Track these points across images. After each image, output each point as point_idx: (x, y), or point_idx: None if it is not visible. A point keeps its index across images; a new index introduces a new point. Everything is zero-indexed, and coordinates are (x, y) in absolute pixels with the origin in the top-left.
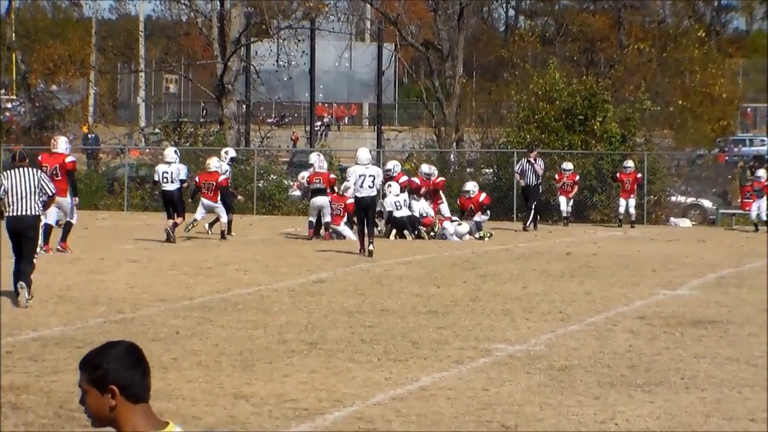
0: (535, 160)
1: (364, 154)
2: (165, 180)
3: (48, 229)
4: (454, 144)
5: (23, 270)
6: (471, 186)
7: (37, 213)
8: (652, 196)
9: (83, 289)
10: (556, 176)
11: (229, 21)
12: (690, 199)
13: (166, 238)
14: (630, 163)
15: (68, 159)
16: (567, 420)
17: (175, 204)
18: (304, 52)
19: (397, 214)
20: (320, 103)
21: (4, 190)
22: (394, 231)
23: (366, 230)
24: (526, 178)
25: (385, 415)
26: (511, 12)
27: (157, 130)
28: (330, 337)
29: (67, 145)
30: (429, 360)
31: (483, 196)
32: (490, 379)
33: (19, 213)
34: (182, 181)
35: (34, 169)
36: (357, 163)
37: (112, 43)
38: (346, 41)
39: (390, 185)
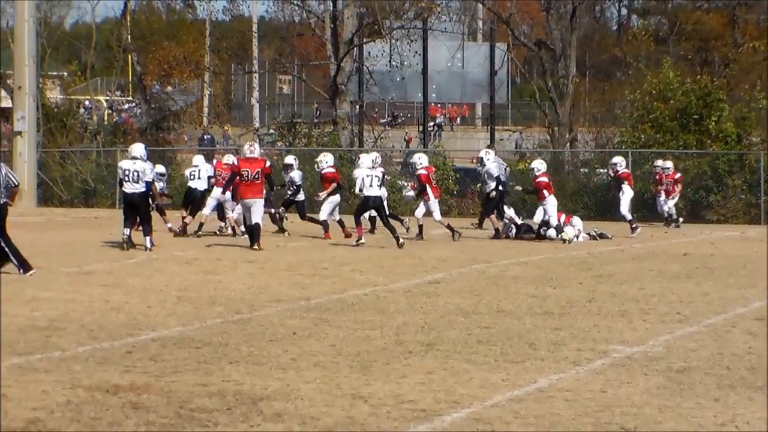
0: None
1: (366, 160)
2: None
3: (257, 228)
4: (568, 144)
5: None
6: (536, 164)
7: (3, 203)
8: None
9: (201, 290)
10: (656, 176)
11: (341, 22)
12: None
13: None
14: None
15: (267, 164)
16: (686, 422)
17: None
18: (416, 52)
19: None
20: (433, 104)
21: None
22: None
23: (382, 225)
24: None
25: (502, 416)
26: (624, 11)
27: (271, 131)
28: (447, 338)
29: (261, 150)
30: (546, 361)
31: (543, 179)
32: (608, 381)
33: None
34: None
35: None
36: (361, 167)
37: (226, 45)
38: (459, 41)
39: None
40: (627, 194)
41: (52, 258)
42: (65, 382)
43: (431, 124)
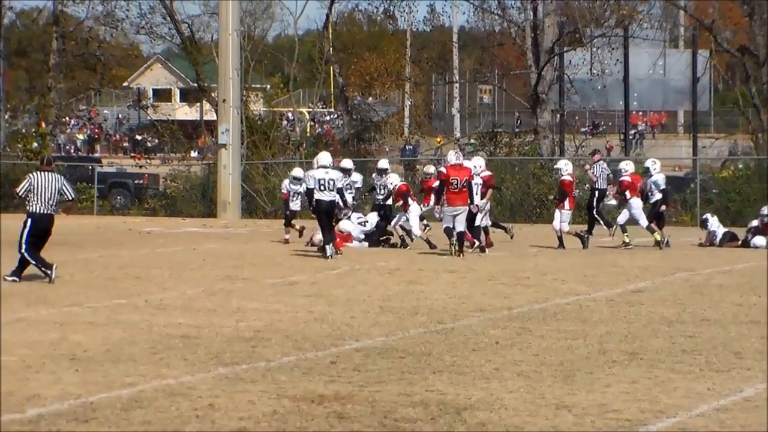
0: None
1: (479, 161)
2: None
3: (461, 236)
4: None
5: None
6: (622, 164)
7: (53, 213)
8: None
9: (403, 300)
10: None
11: (542, 30)
12: None
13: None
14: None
15: (472, 172)
16: None
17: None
18: (617, 60)
19: None
20: (634, 111)
21: (29, 190)
22: None
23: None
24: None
25: (708, 426)
26: None
27: (472, 141)
28: (650, 347)
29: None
30: (752, 371)
31: (625, 178)
32: None
33: (45, 212)
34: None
35: (58, 175)
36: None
37: (427, 55)
38: (660, 48)
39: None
40: None
41: (257, 269)
42: (271, 393)
43: (632, 132)
